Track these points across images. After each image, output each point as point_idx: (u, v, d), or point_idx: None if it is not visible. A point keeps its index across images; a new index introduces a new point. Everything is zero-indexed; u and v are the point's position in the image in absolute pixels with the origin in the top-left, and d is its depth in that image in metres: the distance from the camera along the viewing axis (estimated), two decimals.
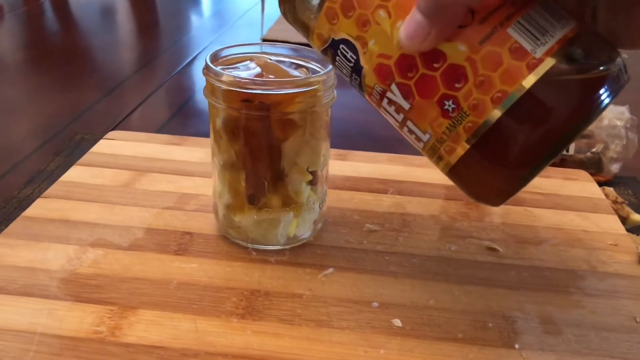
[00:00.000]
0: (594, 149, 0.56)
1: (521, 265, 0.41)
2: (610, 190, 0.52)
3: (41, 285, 0.37)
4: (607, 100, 0.27)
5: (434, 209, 0.47)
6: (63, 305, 0.35)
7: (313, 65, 0.41)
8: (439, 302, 0.37)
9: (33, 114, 0.68)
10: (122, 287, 0.37)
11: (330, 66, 0.38)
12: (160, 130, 0.65)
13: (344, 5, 0.31)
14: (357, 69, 0.32)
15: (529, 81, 0.27)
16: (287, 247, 0.41)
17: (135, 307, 0.35)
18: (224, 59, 0.41)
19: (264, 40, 1.00)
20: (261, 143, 0.38)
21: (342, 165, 0.54)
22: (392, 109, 0.32)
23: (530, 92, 0.27)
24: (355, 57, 0.32)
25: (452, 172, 0.31)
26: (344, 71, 0.33)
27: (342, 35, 0.31)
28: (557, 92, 0.27)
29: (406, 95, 0.30)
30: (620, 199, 0.51)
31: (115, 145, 0.55)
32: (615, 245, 0.44)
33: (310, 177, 0.40)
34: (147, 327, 0.34)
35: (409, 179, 0.52)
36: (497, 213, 0.47)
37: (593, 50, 0.28)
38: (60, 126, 0.64)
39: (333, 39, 0.32)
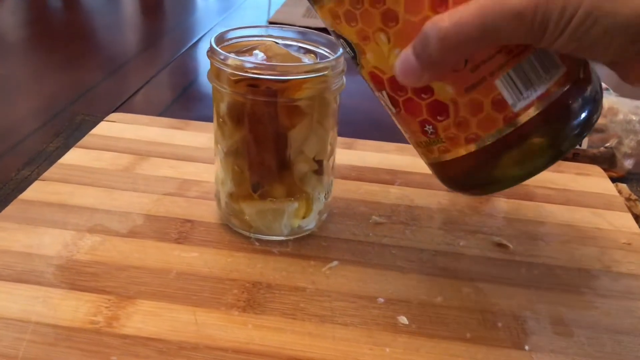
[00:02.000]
0: (608, 144, 0.54)
1: (532, 263, 0.40)
2: (623, 186, 0.51)
3: (37, 272, 0.35)
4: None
5: (443, 202, 0.46)
6: (58, 293, 0.34)
7: (322, 51, 0.39)
8: (447, 300, 0.36)
9: (34, 93, 0.67)
10: (120, 275, 0.36)
11: (340, 52, 0.37)
12: (163, 113, 0.64)
13: (347, 15, 0.30)
14: (355, 61, 0.32)
15: (500, 132, 0.29)
16: (291, 237, 0.40)
17: (133, 297, 0.34)
18: (230, 42, 0.39)
19: (271, 23, 0.98)
20: (267, 130, 0.36)
21: (349, 154, 0.52)
22: (382, 102, 0.34)
23: (498, 141, 0.30)
24: (353, 54, 0.32)
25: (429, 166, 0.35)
26: (346, 51, 0.33)
27: (343, 34, 0.32)
28: (520, 151, 0.30)
29: (394, 104, 0.32)
30: (633, 196, 0.50)
31: (116, 127, 0.53)
32: (629, 244, 0.42)
33: (316, 167, 0.38)
34: (144, 318, 0.33)
35: (417, 170, 0.50)
36: (508, 208, 0.46)
37: (568, 118, 0.30)
38: (61, 106, 0.62)
39: (334, 30, 0.32)
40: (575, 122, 0.30)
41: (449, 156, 0.32)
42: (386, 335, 0.33)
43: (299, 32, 0.41)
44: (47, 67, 0.76)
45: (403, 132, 0.34)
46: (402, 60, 0.28)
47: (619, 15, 0.24)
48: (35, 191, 0.43)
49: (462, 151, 0.31)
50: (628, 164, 0.55)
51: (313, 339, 0.32)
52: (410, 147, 0.54)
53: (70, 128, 0.57)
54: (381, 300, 0.35)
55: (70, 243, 0.38)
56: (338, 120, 0.40)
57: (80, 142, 0.50)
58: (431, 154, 0.33)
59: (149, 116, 0.56)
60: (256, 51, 0.38)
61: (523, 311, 0.35)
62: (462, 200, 0.46)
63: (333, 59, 0.36)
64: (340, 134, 0.50)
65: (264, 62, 0.36)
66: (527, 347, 0.33)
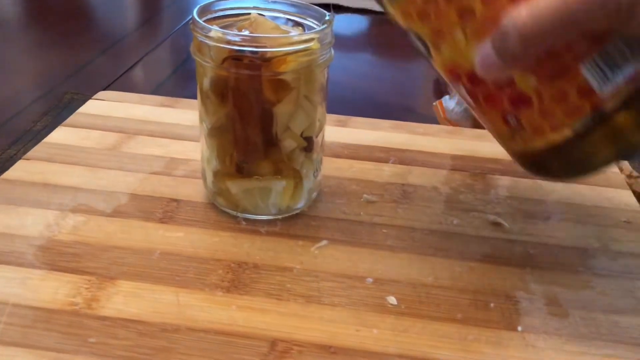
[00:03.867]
0: None
1: (528, 242, 0.38)
2: (624, 163, 0.49)
3: (17, 253, 0.35)
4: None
5: (437, 180, 0.45)
6: (38, 274, 0.33)
7: (310, 22, 0.38)
8: (438, 280, 0.35)
9: (23, 71, 0.65)
10: (102, 256, 0.35)
11: (327, 22, 0.35)
12: (156, 90, 0.62)
13: (421, 13, 0.30)
14: (428, 55, 0.32)
15: (588, 118, 0.28)
16: (280, 217, 0.39)
17: (115, 278, 0.33)
18: (215, 14, 0.37)
19: None
20: (252, 105, 0.35)
21: (342, 132, 0.51)
22: (459, 90, 0.32)
23: (586, 127, 0.28)
24: (426, 49, 0.31)
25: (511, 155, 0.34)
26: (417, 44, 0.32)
27: (417, 32, 0.31)
28: (610, 134, 0.29)
29: (473, 97, 0.31)
30: (635, 173, 0.48)
31: (105, 106, 0.52)
32: (629, 222, 0.41)
33: (305, 144, 0.37)
34: (125, 299, 0.32)
35: (412, 147, 0.49)
36: (504, 185, 0.44)
37: None
38: (51, 85, 0.61)
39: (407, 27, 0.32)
40: None
41: (533, 145, 0.31)
42: (374, 316, 0.32)
43: (287, 4, 0.39)
44: (38, 45, 0.74)
45: (482, 122, 0.33)
46: (483, 56, 0.28)
47: None
48: (19, 170, 0.42)
49: (547, 139, 0.30)
50: None
51: (299, 320, 0.31)
52: (406, 124, 0.53)
53: (58, 107, 0.56)
54: (370, 280, 0.34)
55: (52, 223, 0.37)
56: (329, 96, 0.39)
57: (67, 121, 0.49)
58: (514, 144, 0.32)
59: (139, 94, 0.55)
60: (244, 29, 0.37)
61: (517, 291, 0.34)
62: (457, 177, 0.45)
63: (319, 30, 0.35)
64: (335, 111, 0.49)
65: (247, 35, 0.34)
66: (519, 328, 0.32)
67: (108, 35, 0.80)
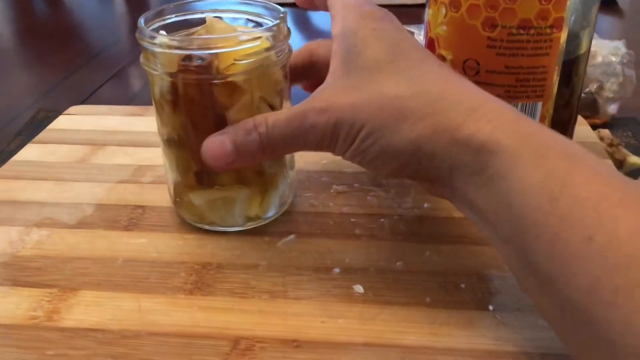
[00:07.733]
0: (587, 89, 0.51)
1: None
2: (605, 132, 0.48)
3: None
4: None
5: None
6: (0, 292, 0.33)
7: (269, 20, 0.36)
8: (406, 264, 0.34)
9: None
10: (65, 268, 0.34)
11: (280, 19, 0.34)
12: (132, 99, 0.62)
13: None
14: None
15: None
16: (250, 227, 0.37)
17: (77, 289, 0.33)
18: (165, 20, 0.36)
19: None
20: (205, 112, 0.34)
21: None
22: None
23: None
24: None
25: None
26: None
27: None
28: None
29: None
30: (616, 141, 0.47)
31: (75, 120, 0.52)
32: None
33: None
34: (86, 309, 0.31)
35: None
36: None
37: None
38: (26, 105, 0.61)
39: None
40: None
41: None
42: (340, 306, 0.31)
43: (243, 4, 0.38)
44: (12, 65, 0.74)
45: None
46: (216, 144, 0.32)
47: (392, 143, 0.27)
48: None
49: None
50: (611, 109, 0.52)
51: (263, 316, 0.31)
52: None
53: (32, 126, 0.55)
54: (337, 270, 0.33)
55: (16, 239, 0.37)
56: (290, 93, 0.37)
57: (37, 138, 0.49)
58: None
59: (109, 106, 0.55)
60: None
61: (489, 270, 0.33)
62: None
63: (270, 27, 0.33)
64: None
65: (190, 37, 0.33)
66: (491, 307, 0.31)
67: (86, 49, 0.80)
